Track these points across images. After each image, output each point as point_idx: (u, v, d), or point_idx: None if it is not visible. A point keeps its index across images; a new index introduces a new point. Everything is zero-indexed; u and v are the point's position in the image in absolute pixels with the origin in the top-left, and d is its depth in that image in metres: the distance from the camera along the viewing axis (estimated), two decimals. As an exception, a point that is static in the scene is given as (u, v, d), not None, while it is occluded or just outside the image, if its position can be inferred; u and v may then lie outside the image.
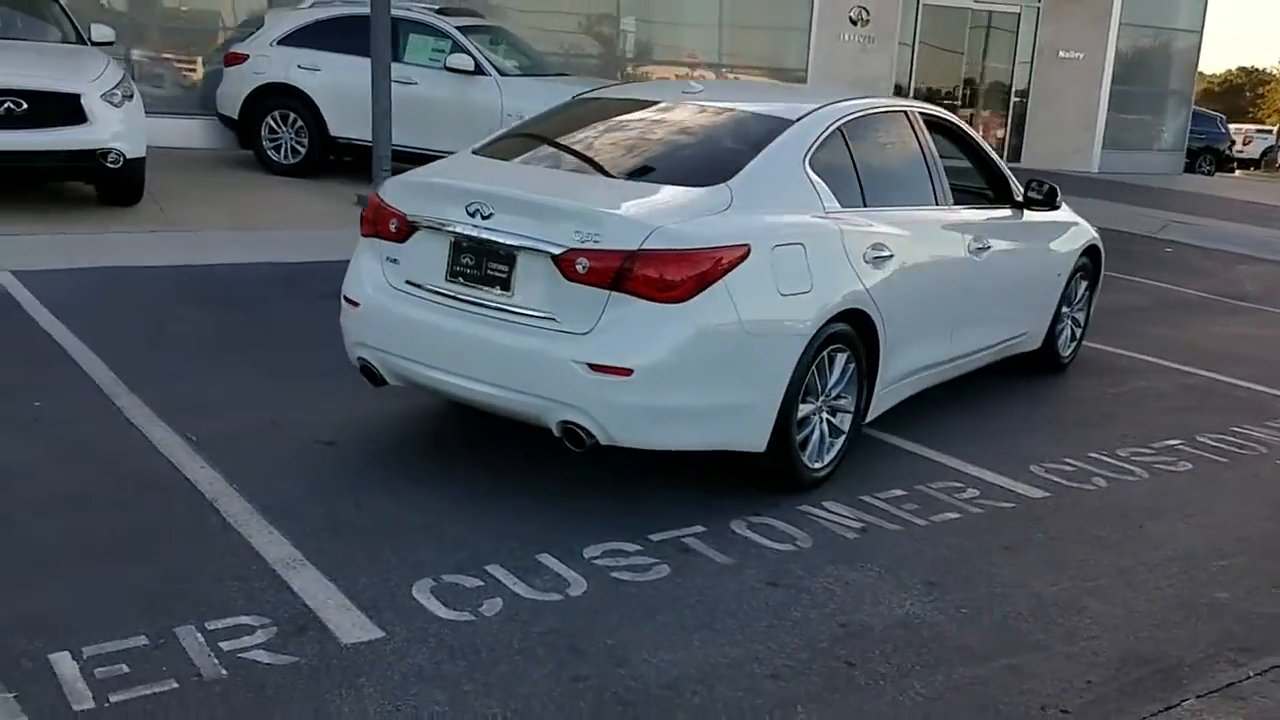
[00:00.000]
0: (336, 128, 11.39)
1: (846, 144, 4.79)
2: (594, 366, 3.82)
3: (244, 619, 3.22)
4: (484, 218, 4.06)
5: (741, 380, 4.07)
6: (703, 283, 3.88)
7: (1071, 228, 6.52)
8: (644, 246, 3.83)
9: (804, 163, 4.47)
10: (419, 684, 2.97)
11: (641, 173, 4.39)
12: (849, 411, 4.67)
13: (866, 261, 4.56)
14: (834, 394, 4.56)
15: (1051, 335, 6.49)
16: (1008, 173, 5.95)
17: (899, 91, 18.42)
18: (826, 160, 4.63)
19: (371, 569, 3.57)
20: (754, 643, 3.34)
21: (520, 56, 12.22)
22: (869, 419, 4.87)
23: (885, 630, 3.48)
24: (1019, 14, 19.65)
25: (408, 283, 4.31)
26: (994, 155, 5.97)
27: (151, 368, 5.46)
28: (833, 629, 3.46)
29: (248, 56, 11.72)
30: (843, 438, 4.67)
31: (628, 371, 3.81)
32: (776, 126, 4.57)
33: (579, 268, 3.85)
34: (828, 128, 4.67)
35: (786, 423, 4.27)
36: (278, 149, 11.59)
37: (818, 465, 4.55)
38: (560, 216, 3.95)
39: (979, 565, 4.01)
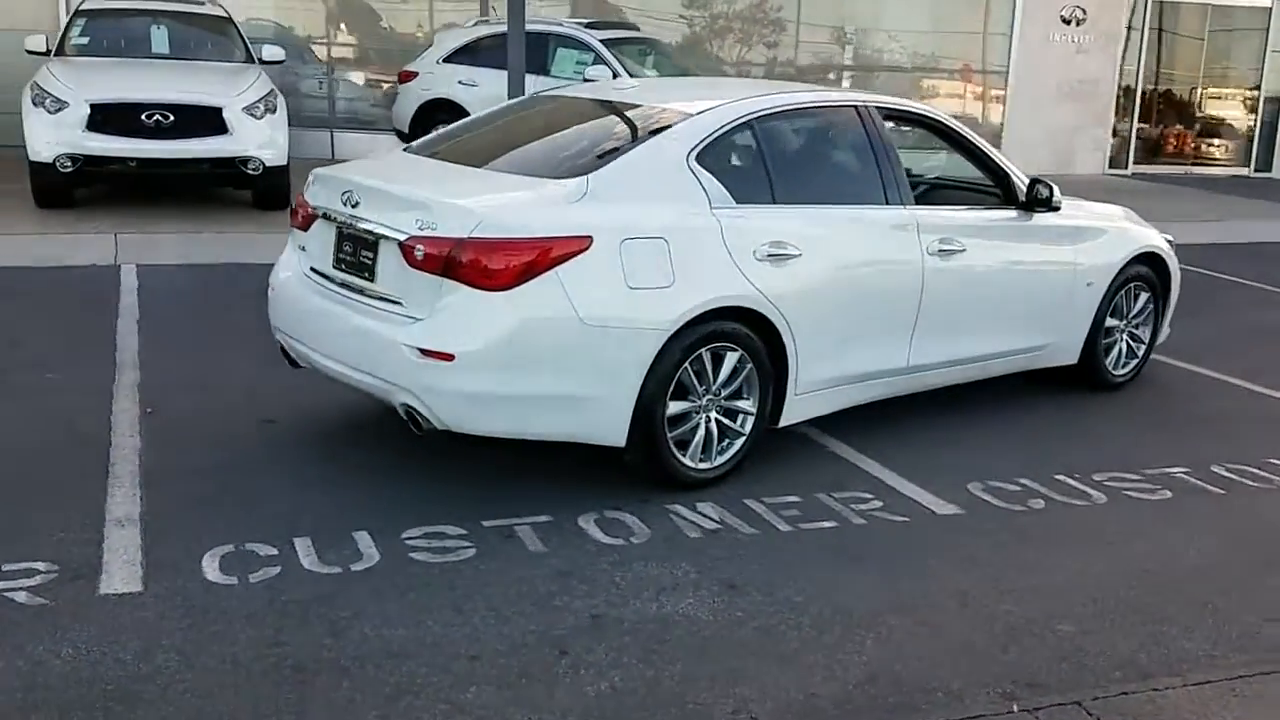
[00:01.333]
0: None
1: (757, 140, 4.67)
2: (423, 351, 3.95)
3: (37, 564, 3.56)
4: (353, 206, 4.29)
5: (582, 372, 4.07)
6: (528, 272, 3.93)
7: (1111, 233, 6.01)
8: (472, 235, 3.93)
9: (687, 158, 4.41)
10: (128, 634, 3.20)
11: (520, 167, 4.46)
12: (749, 413, 4.55)
13: (760, 260, 4.44)
14: (724, 394, 4.46)
15: (1092, 350, 6.00)
16: (1011, 173, 5.57)
17: (1128, 95, 17.29)
18: (723, 156, 4.55)
19: (187, 533, 3.84)
20: (482, 625, 3.37)
21: (671, 67, 12.39)
22: (785, 424, 4.73)
23: (632, 625, 3.43)
24: (1270, 9, 17.92)
25: (311, 269, 4.59)
26: (994, 155, 5.61)
27: (175, 352, 5.98)
28: (579, 619, 3.44)
29: (417, 74, 12.51)
30: (741, 440, 4.56)
31: (450, 357, 3.92)
32: (667, 123, 4.54)
33: (418, 254, 4.00)
34: (728, 124, 4.58)
35: (650, 420, 4.23)
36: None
37: (703, 465, 4.47)
38: (409, 206, 4.10)
39: (807, 574, 3.85)
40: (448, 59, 12.42)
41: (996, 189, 5.64)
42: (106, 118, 9.15)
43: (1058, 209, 5.57)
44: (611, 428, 4.18)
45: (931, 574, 3.91)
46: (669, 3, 15.16)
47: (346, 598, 3.48)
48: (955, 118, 5.74)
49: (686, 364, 4.31)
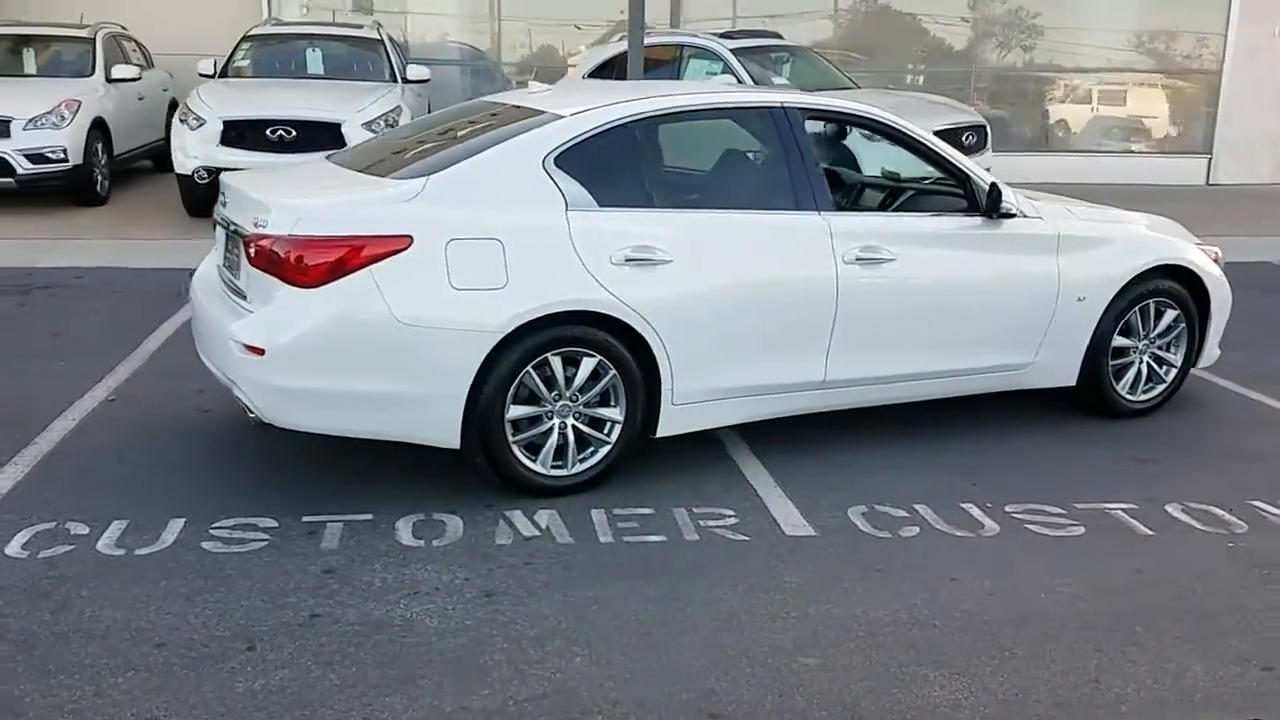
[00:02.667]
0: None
1: (636, 143, 4.55)
2: (245, 346, 4.10)
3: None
4: (224, 206, 4.51)
5: (403, 372, 4.10)
6: (339, 270, 4.00)
7: (1117, 243, 5.42)
8: (291, 232, 4.05)
9: (544, 161, 4.35)
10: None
11: (395, 170, 4.51)
12: (616, 421, 4.45)
13: (618, 264, 4.33)
14: (583, 400, 4.38)
15: (1096, 372, 5.44)
16: (973, 176, 5.14)
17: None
18: (591, 159, 4.44)
19: (30, 508, 4.16)
20: (197, 615, 3.45)
21: (815, 74, 12.13)
22: (665, 434, 4.58)
23: (345, 626, 3.42)
24: None
25: (217, 268, 4.85)
26: (953, 158, 5.18)
27: (188, 349, 6.42)
28: (295, 616, 3.47)
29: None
30: (607, 448, 4.46)
31: (261, 351, 4.05)
32: (531, 125, 4.50)
33: (252, 252, 4.16)
34: (599, 127, 4.47)
35: (487, 423, 4.22)
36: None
37: (557, 472, 4.41)
38: (252, 205, 4.27)
39: (576, 588, 3.72)
40: (590, 74, 12.65)
41: (961, 197, 5.21)
42: (238, 133, 9.93)
43: (1009, 216, 5.08)
44: (442, 429, 4.19)
45: (706, 596, 3.69)
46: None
47: (103, 578, 3.66)
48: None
49: (530, 368, 4.24)
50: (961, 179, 5.12)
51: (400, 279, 4.05)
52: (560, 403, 4.36)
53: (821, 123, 5.56)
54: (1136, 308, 5.48)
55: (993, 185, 5.01)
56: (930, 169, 5.28)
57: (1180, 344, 5.66)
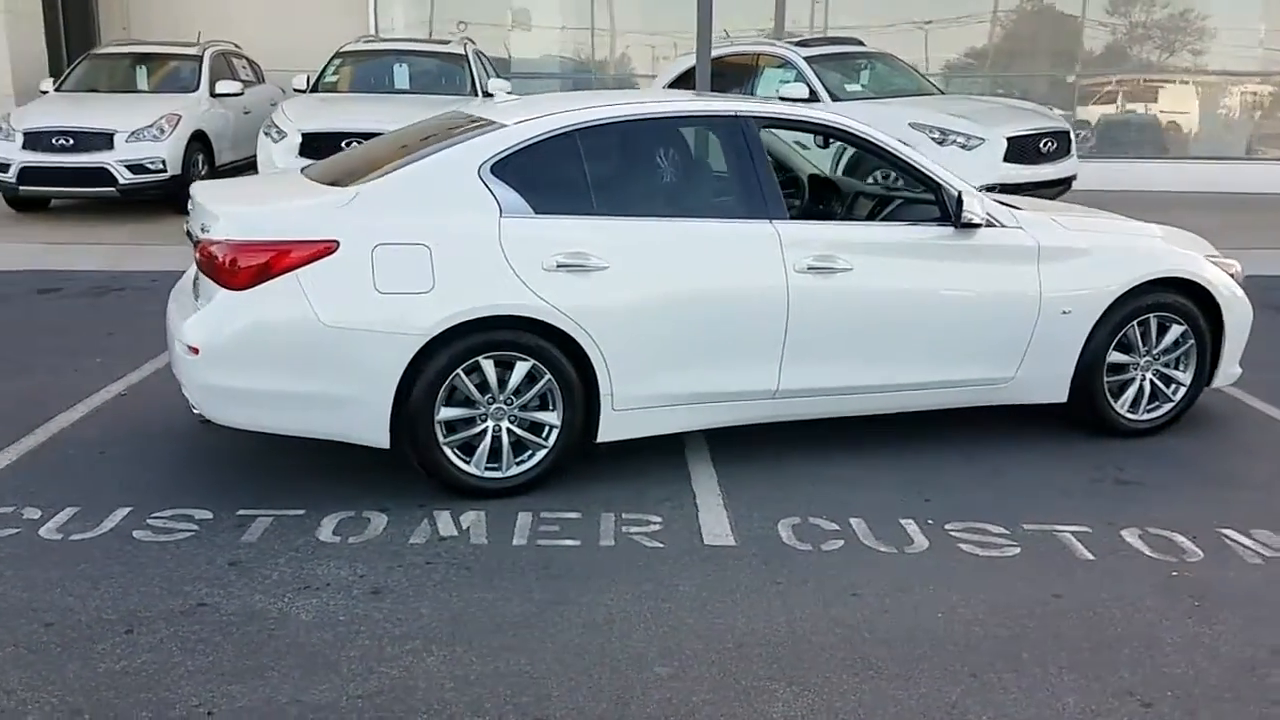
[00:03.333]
0: (704, 159, 12.13)
1: (578, 152, 4.58)
2: (186, 345, 4.31)
3: None
4: (189, 214, 4.75)
5: (330, 373, 4.22)
6: (265, 273, 4.17)
7: (1110, 253, 5.18)
8: (227, 237, 4.24)
9: (480, 169, 4.43)
10: None
11: (346, 178, 4.64)
12: (554, 425, 4.50)
13: (549, 270, 4.38)
14: (518, 404, 4.45)
15: (1089, 389, 5.22)
16: (945, 185, 4.99)
17: None
18: (530, 167, 4.49)
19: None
20: (98, 599, 3.63)
21: (896, 79, 11.92)
22: (607, 439, 4.61)
23: (224, 616, 3.54)
24: None
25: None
26: (926, 167, 5.03)
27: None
28: (184, 605, 3.61)
29: (644, 98, 12.91)
30: (544, 451, 4.52)
31: (196, 351, 4.25)
32: (474, 134, 4.58)
33: (198, 256, 4.38)
34: (538, 135, 4.53)
35: (417, 424, 4.32)
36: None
37: (491, 474, 4.48)
38: (203, 214, 4.48)
39: (463, 589, 3.77)
40: (671, 85, 12.71)
41: (934, 205, 5.08)
42: (316, 145, 10.29)
43: (972, 226, 4.91)
44: (370, 430, 4.30)
45: (592, 601, 3.69)
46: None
47: (31, 561, 3.89)
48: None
49: (461, 371, 4.33)
50: (933, 188, 4.99)
51: (325, 282, 4.18)
52: (494, 406, 4.42)
53: (784, 131, 5.46)
54: (1134, 322, 5.22)
55: (958, 194, 4.86)
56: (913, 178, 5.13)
57: (1189, 361, 5.37)
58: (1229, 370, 5.51)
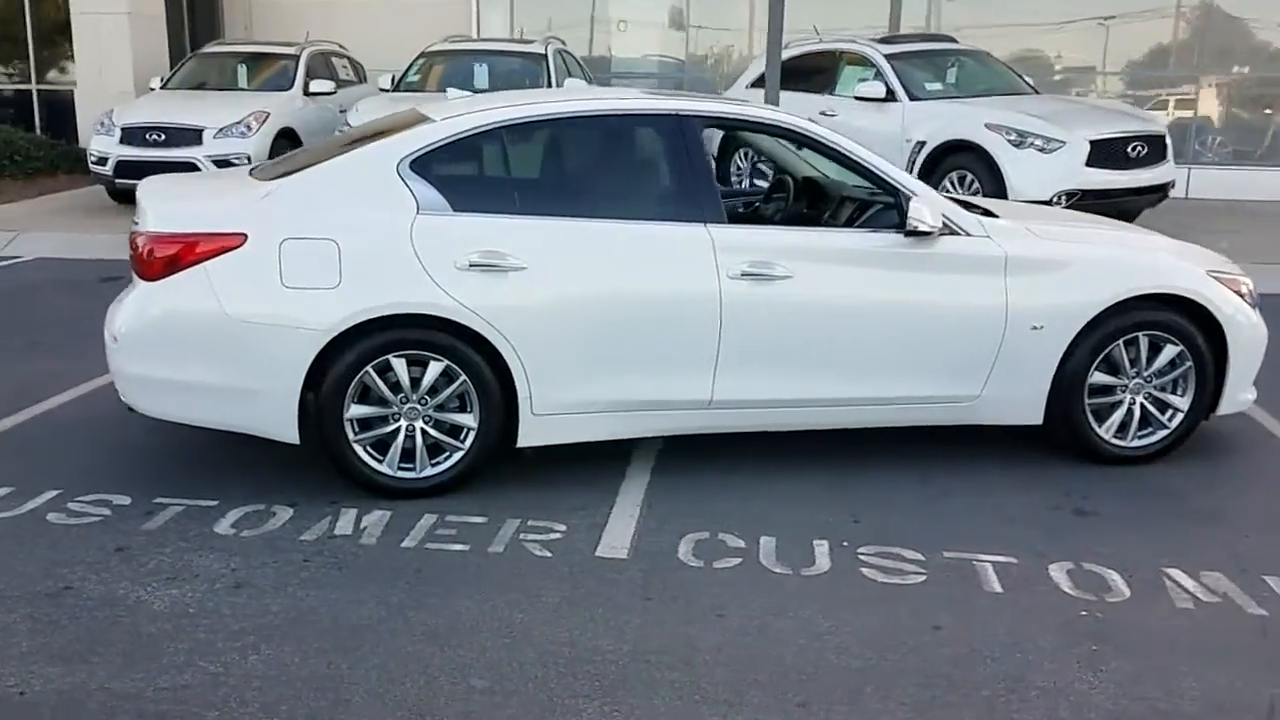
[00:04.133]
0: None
1: (502, 150, 4.53)
2: (111, 334, 4.43)
3: None
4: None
5: (236, 366, 4.26)
6: (174, 265, 4.23)
7: (1092, 265, 4.82)
8: (146, 229, 4.33)
9: (399, 166, 4.40)
10: None
11: (279, 172, 4.70)
12: (470, 428, 4.46)
13: (464, 270, 4.32)
14: (435, 405, 4.41)
15: (1067, 411, 4.89)
16: (903, 190, 4.73)
17: None
18: (451, 165, 4.46)
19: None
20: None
21: (988, 78, 11.45)
22: (528, 444, 4.54)
23: (83, 600, 3.60)
24: None
25: None
26: (884, 170, 4.77)
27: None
28: (51, 588, 3.68)
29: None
30: (460, 453, 4.47)
31: (115, 340, 4.36)
32: (399, 130, 4.56)
33: (129, 249, 4.49)
34: (460, 133, 4.47)
35: (324, 421, 4.34)
36: (739, 182, 12.43)
37: (405, 474, 4.46)
38: (137, 208, 4.58)
39: (324, 588, 3.74)
40: (754, 84, 12.51)
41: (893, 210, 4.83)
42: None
43: (923, 234, 4.63)
44: (279, 424, 4.33)
45: (445, 607, 3.62)
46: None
47: None
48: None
49: (371, 369, 4.32)
50: (891, 192, 4.73)
51: (232, 275, 4.21)
52: (408, 405, 4.38)
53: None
54: (1120, 341, 4.85)
55: (908, 199, 4.59)
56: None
57: (1187, 385, 4.96)
58: (1237, 396, 5.06)
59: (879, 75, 11.01)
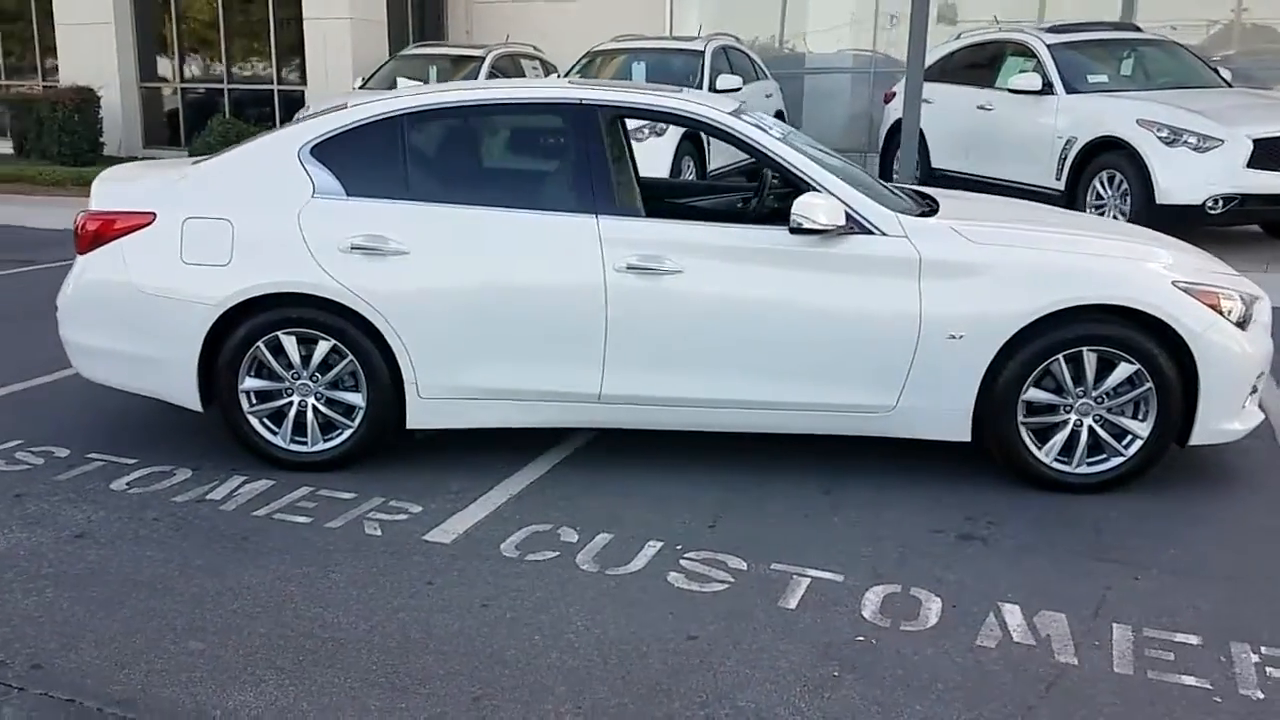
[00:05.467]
0: (938, 159, 11.46)
1: (400, 137, 4.63)
2: (56, 304, 4.91)
3: None
4: None
5: (145, 336, 4.61)
6: (97, 240, 4.64)
7: (1011, 271, 4.38)
8: (86, 209, 4.78)
9: (299, 151, 4.61)
10: None
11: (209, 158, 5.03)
12: (360, 407, 4.64)
13: (346, 252, 4.50)
14: (327, 382, 4.62)
15: (999, 430, 4.50)
16: (814, 185, 4.49)
17: None
18: (350, 151, 4.61)
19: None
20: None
21: (1174, 69, 10.52)
22: (416, 427, 4.65)
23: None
24: None
25: None
26: (792, 165, 4.53)
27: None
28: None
29: (895, 95, 12.38)
30: (349, 430, 4.66)
31: (56, 308, 4.83)
32: (311, 117, 4.79)
33: None
34: (363, 119, 4.62)
35: (220, 391, 4.64)
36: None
37: (298, 448, 4.67)
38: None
39: (151, 546, 3.96)
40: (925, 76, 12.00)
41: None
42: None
43: (811, 232, 4.36)
44: (183, 392, 4.66)
45: (236, 573, 3.78)
46: None
47: None
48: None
49: (262, 345, 4.57)
50: (797, 186, 4.50)
51: (142, 251, 4.56)
52: (300, 382, 4.60)
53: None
54: (1060, 356, 4.40)
55: (800, 197, 4.35)
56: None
57: (1148, 409, 4.43)
58: (1216, 426, 4.47)
59: (1038, 66, 10.31)
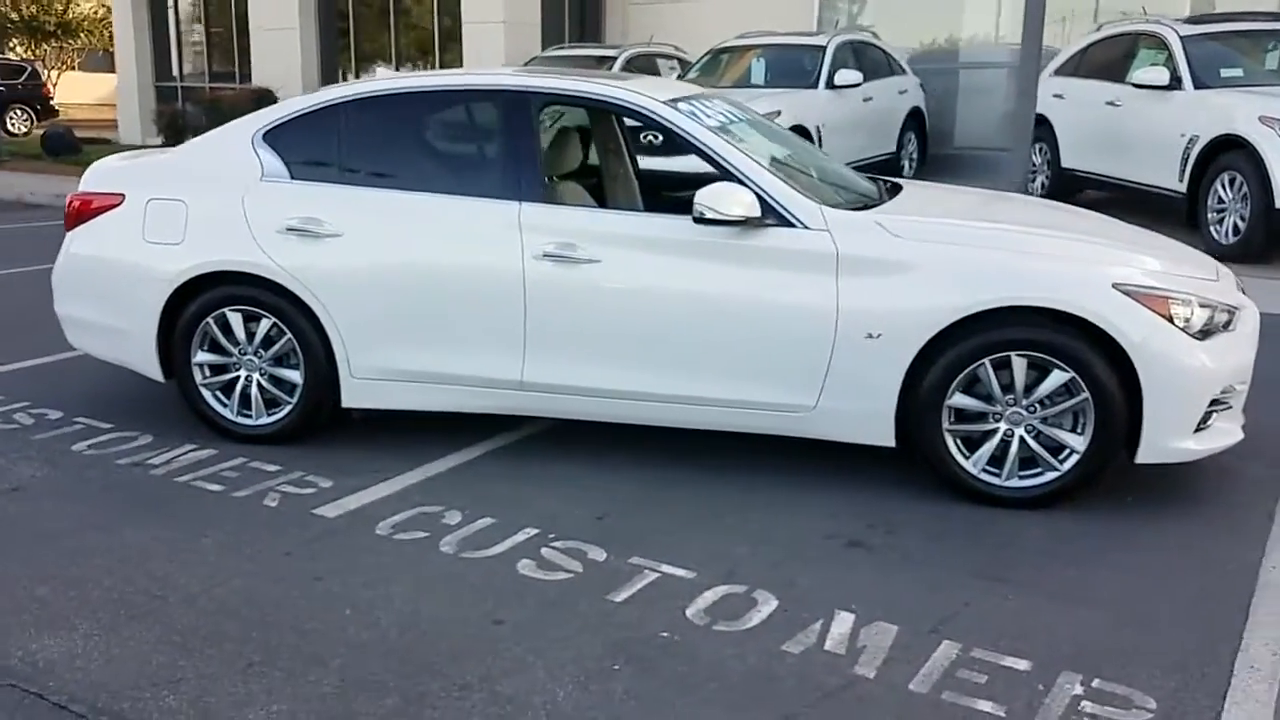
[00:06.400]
0: (1067, 158, 10.92)
1: (341, 123, 4.78)
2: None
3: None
4: None
5: (113, 308, 4.91)
6: (79, 218, 5.00)
7: (927, 269, 4.13)
8: (76, 190, 5.17)
9: (254, 136, 4.84)
10: None
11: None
12: (298, 383, 4.84)
13: (282, 233, 4.69)
14: (270, 359, 4.83)
15: (924, 436, 4.27)
16: (740, 175, 4.35)
17: None
18: (298, 137, 4.80)
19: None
20: None
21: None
22: (351, 406, 4.78)
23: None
24: None
25: None
26: (721, 156, 4.39)
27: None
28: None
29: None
30: (288, 406, 4.85)
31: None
32: (277, 105, 5.00)
33: None
34: (310, 106, 4.80)
35: (176, 362, 4.93)
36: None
37: (244, 421, 4.89)
38: (88, 174, 5.38)
39: (65, 500, 4.24)
40: (1058, 70, 11.45)
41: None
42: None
43: (711, 222, 4.23)
44: (146, 361, 4.96)
45: (112, 528, 3.99)
46: None
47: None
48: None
49: (211, 320, 4.83)
50: (726, 178, 4.38)
51: (112, 229, 4.89)
52: (245, 357, 4.83)
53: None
54: (988, 360, 4.15)
55: (707, 186, 4.25)
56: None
57: (1085, 421, 4.12)
58: (1165, 443, 4.11)
59: (1169, 59, 9.63)
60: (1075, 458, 4.13)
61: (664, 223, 4.41)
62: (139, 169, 5.01)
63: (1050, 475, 4.17)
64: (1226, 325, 4.20)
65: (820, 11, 15.51)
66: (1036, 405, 4.14)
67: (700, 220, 4.21)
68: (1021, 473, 4.21)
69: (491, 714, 2.90)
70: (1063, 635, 3.30)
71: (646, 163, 6.10)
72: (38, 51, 35.58)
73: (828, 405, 4.29)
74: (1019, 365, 4.11)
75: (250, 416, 4.85)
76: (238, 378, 4.85)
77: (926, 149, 13.89)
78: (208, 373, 4.87)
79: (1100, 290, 4.01)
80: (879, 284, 4.15)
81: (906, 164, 13.50)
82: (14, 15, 34.41)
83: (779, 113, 9.77)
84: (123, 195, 4.88)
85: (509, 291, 4.44)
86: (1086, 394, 4.05)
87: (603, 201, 5.02)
